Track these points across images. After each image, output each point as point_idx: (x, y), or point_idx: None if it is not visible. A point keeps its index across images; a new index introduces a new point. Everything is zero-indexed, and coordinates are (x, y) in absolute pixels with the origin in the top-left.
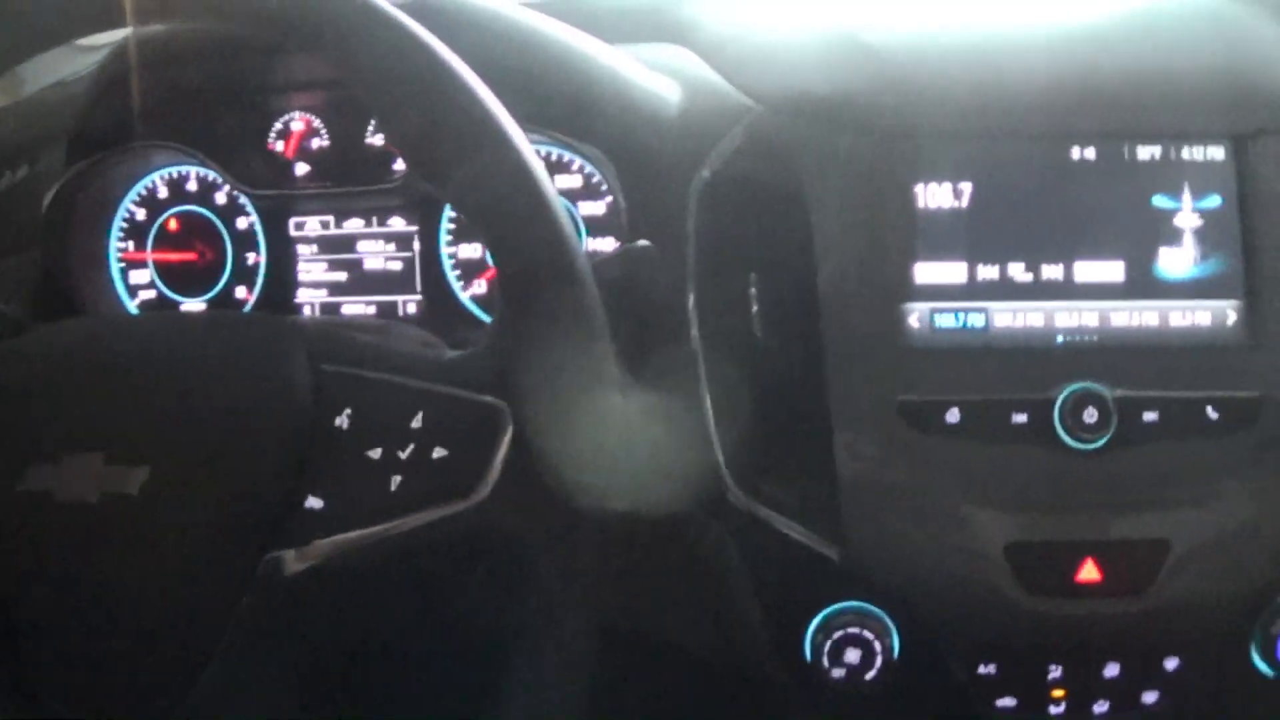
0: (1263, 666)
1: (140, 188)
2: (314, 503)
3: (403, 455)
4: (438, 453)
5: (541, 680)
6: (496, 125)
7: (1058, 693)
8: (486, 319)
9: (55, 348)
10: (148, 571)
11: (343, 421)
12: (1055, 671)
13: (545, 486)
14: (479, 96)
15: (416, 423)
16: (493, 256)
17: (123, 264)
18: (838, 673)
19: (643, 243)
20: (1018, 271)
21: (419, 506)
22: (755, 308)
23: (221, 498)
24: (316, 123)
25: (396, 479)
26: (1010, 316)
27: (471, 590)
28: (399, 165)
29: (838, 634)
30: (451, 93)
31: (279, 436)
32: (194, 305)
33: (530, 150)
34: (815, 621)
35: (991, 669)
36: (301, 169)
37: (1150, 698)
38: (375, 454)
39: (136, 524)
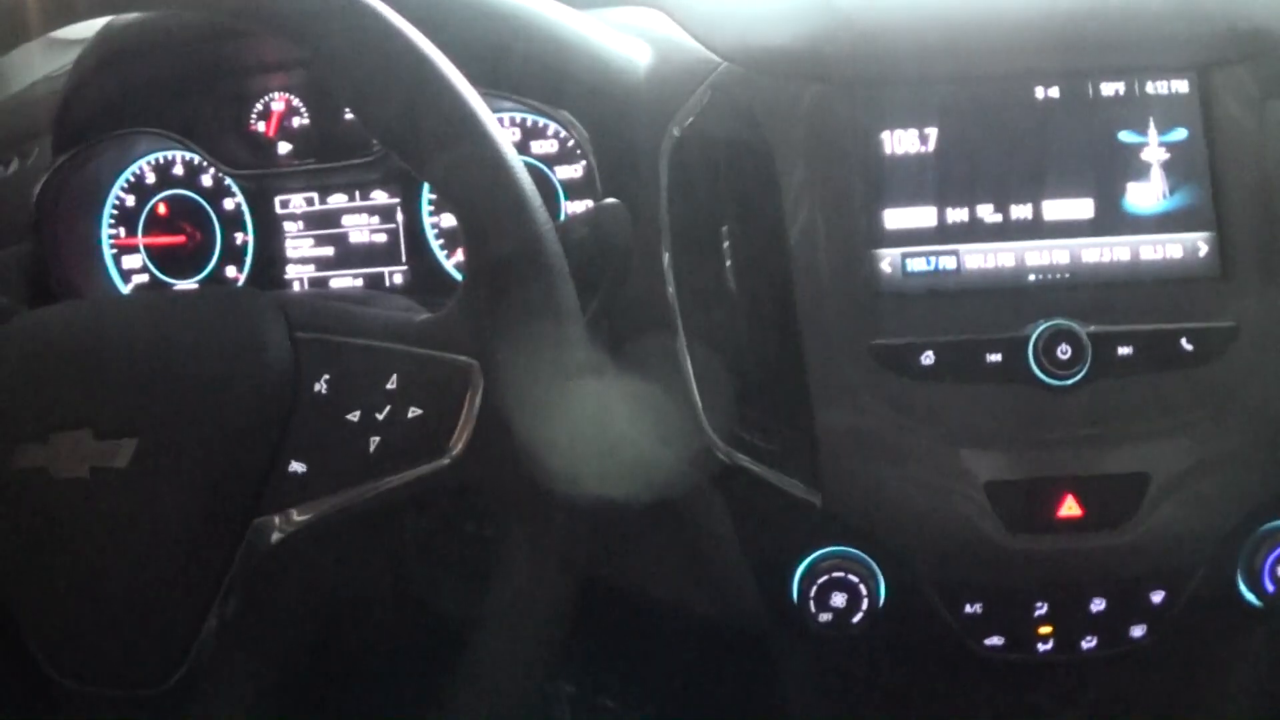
0: (1249, 596)
1: (128, 174)
2: (297, 467)
3: (380, 416)
4: (413, 412)
5: (518, 641)
6: (473, 114)
7: (1045, 629)
8: None
9: (42, 330)
10: (139, 541)
11: (321, 387)
12: (1041, 609)
13: (517, 440)
14: (456, 85)
15: (391, 384)
16: (466, 243)
17: (114, 250)
18: (824, 617)
19: (610, 200)
20: (987, 213)
21: (397, 466)
22: (729, 261)
23: (207, 466)
24: (296, 101)
25: (375, 440)
26: (981, 258)
27: (449, 551)
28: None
29: (823, 579)
30: (429, 81)
31: (259, 404)
32: (186, 287)
33: (506, 140)
34: (801, 568)
35: (977, 608)
36: (284, 148)
37: (1138, 631)
38: (354, 416)
39: (127, 496)
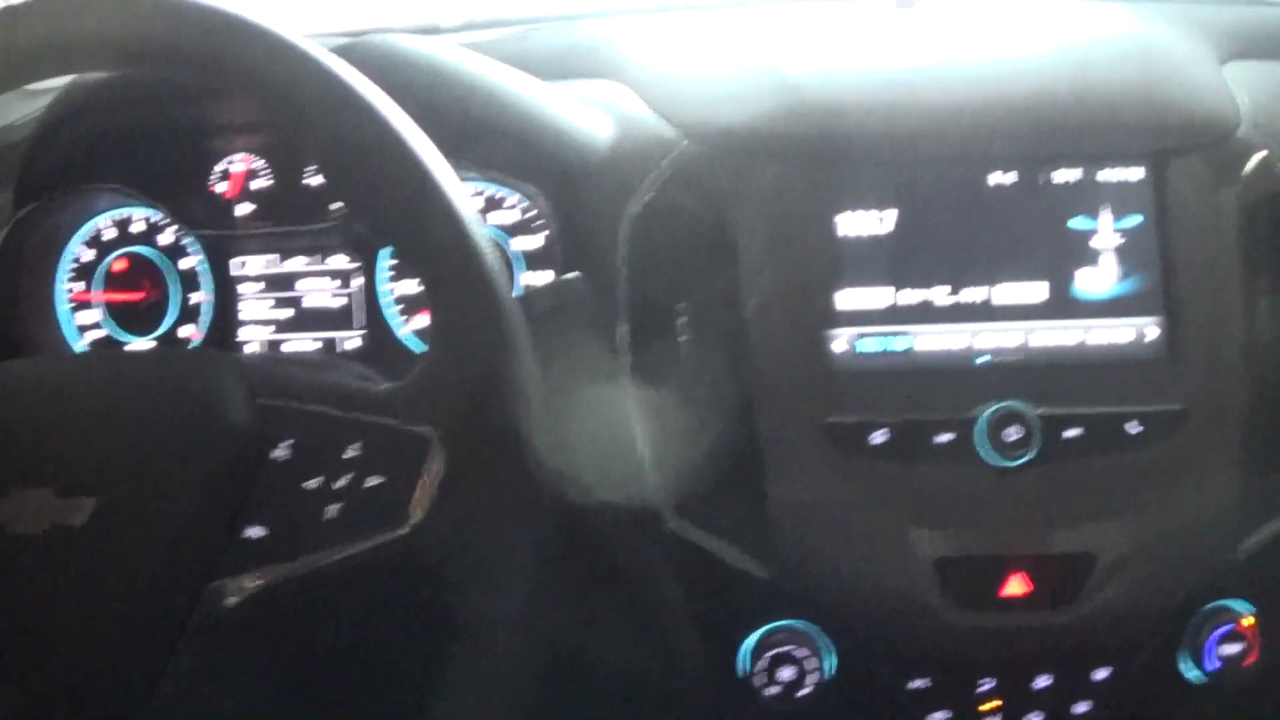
0: (1192, 674)
1: (88, 229)
2: (254, 532)
3: (338, 485)
4: (372, 481)
5: (474, 707)
6: (440, 188)
7: (990, 705)
8: None
9: (5, 384)
10: (93, 601)
11: (281, 453)
12: (987, 684)
13: (477, 512)
14: (424, 158)
15: (352, 452)
16: (431, 313)
17: (71, 305)
18: (772, 691)
19: (573, 274)
20: (940, 295)
21: (355, 534)
22: (683, 336)
23: (163, 528)
24: (258, 163)
25: (333, 508)
26: (933, 339)
27: (404, 619)
28: (338, 205)
29: (771, 653)
30: (399, 153)
31: (219, 468)
32: (141, 344)
33: (474, 214)
34: (749, 641)
35: (924, 683)
36: (244, 209)
37: (1082, 708)
38: (313, 484)
39: (82, 554)
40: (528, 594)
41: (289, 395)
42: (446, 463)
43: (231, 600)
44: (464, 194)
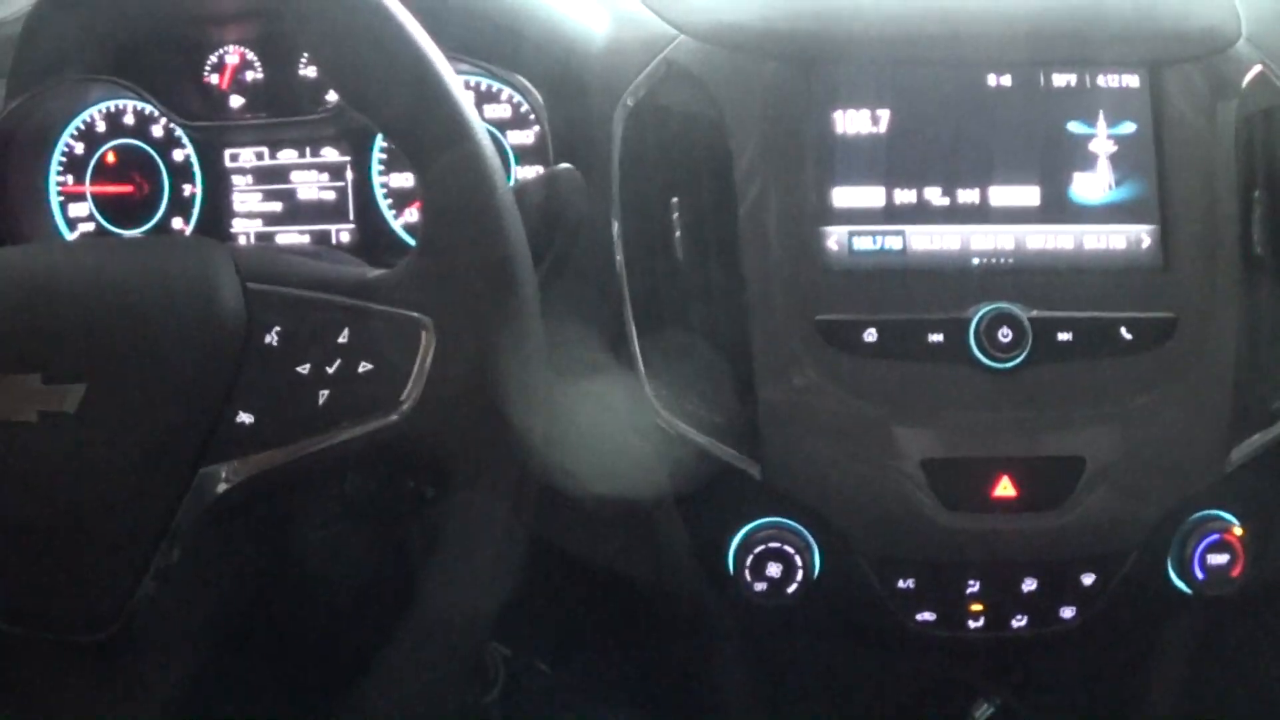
0: (1179, 583)
1: (78, 121)
2: (245, 418)
3: (330, 370)
4: (364, 367)
5: (459, 598)
6: (439, 77)
7: (976, 607)
8: None
9: None
10: (84, 487)
11: (272, 339)
12: (973, 586)
13: (467, 399)
14: (423, 47)
15: (343, 338)
16: (424, 200)
17: (62, 197)
18: (759, 587)
19: (565, 166)
20: (934, 196)
21: (347, 420)
22: (677, 232)
23: (154, 413)
24: (250, 55)
25: (324, 393)
26: (927, 239)
27: (392, 507)
28: (331, 96)
29: (759, 549)
30: (397, 40)
31: (209, 353)
32: (132, 236)
33: (469, 102)
34: (737, 537)
35: (910, 583)
36: (236, 101)
37: (1067, 613)
38: (304, 369)
39: (73, 441)
40: (517, 484)
41: (279, 280)
42: (439, 349)
43: (223, 486)
44: (459, 82)
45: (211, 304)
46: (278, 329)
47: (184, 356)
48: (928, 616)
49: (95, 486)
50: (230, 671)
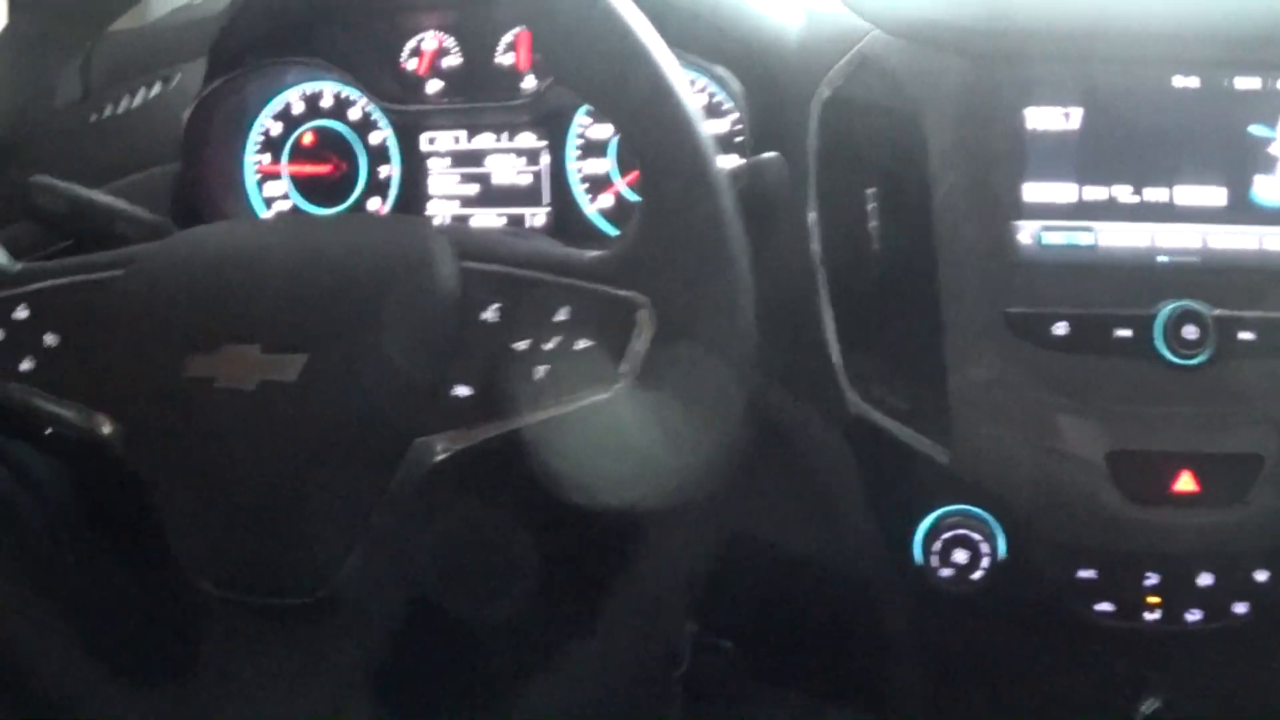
0: None
1: (276, 103)
2: (462, 390)
3: (547, 347)
4: (581, 344)
5: (660, 583)
6: (663, 64)
7: (1153, 599)
8: (612, 231)
9: (210, 247)
10: (301, 454)
11: (490, 314)
12: (1151, 579)
13: (687, 378)
14: (648, 33)
15: (561, 315)
16: (644, 182)
17: (259, 176)
18: (946, 572)
19: (772, 154)
20: (1123, 193)
21: (564, 394)
22: (874, 221)
23: (374, 383)
24: (449, 41)
25: (542, 369)
26: (1115, 235)
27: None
28: (528, 83)
29: (946, 535)
30: (624, 28)
31: (427, 326)
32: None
33: (688, 88)
34: (925, 523)
35: (1090, 573)
36: (434, 85)
37: (1241, 608)
38: (521, 345)
39: (292, 409)
40: (727, 469)
41: (494, 258)
42: (657, 328)
43: (439, 457)
44: (683, 74)
45: (430, 279)
46: (496, 305)
47: (402, 329)
48: (1105, 607)
49: (312, 454)
50: (419, 646)
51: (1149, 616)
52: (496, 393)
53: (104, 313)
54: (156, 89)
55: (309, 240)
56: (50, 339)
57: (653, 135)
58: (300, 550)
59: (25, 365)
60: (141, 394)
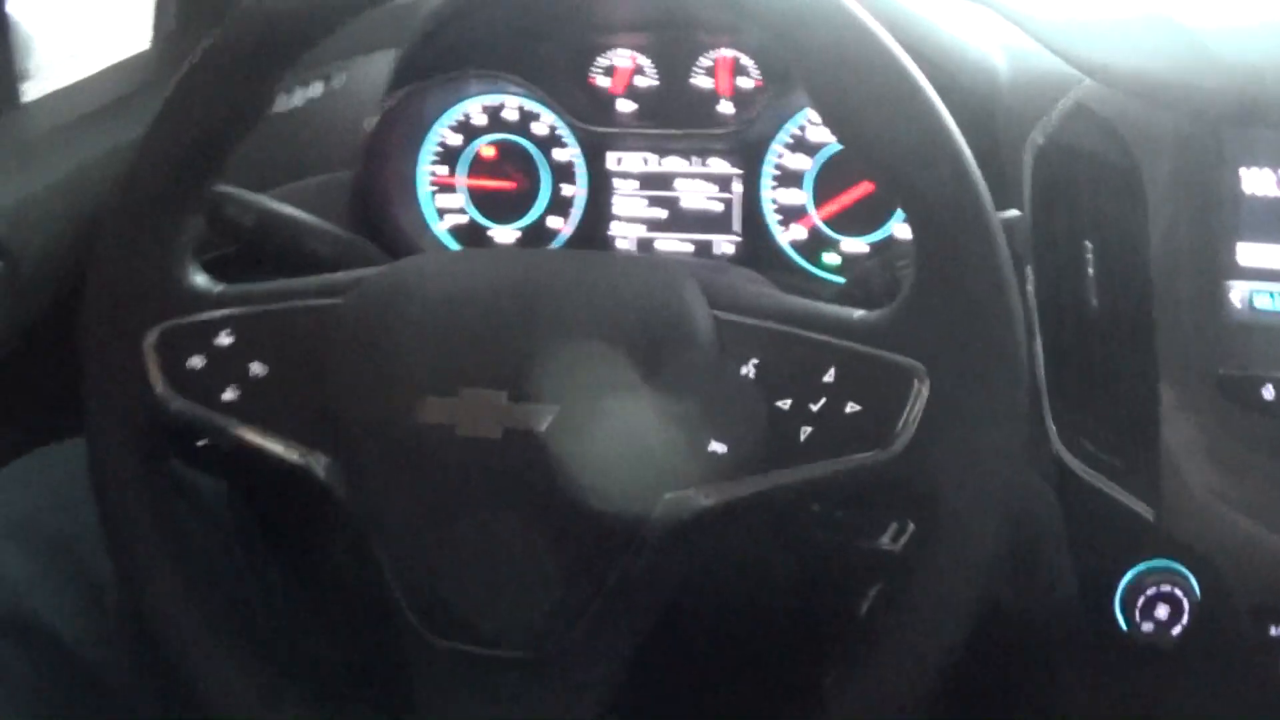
0: None
1: (456, 114)
2: (717, 447)
3: (813, 408)
4: (851, 408)
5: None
6: (944, 121)
7: None
8: (804, 264)
9: (440, 279)
10: (545, 507)
11: (749, 370)
12: None
13: (960, 445)
14: (926, 88)
15: (828, 377)
16: (921, 243)
17: (433, 188)
18: (1147, 627)
19: (1015, 211)
20: None
21: (831, 454)
22: (1091, 272)
23: (627, 438)
24: (643, 61)
25: (806, 430)
26: None
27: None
28: (724, 108)
29: (1150, 590)
30: (908, 85)
31: (683, 380)
32: (505, 232)
33: (959, 135)
34: (1127, 577)
35: None
36: (625, 106)
37: None
38: (784, 404)
39: (540, 460)
40: (1001, 521)
41: (748, 311)
42: (933, 396)
43: (689, 513)
44: (950, 118)
45: (686, 331)
46: (754, 361)
47: (658, 382)
48: None
49: (558, 507)
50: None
51: None
52: (756, 451)
53: (321, 344)
54: (318, 89)
55: (551, 278)
56: (257, 368)
57: (928, 191)
58: (533, 605)
59: (228, 395)
60: (367, 435)
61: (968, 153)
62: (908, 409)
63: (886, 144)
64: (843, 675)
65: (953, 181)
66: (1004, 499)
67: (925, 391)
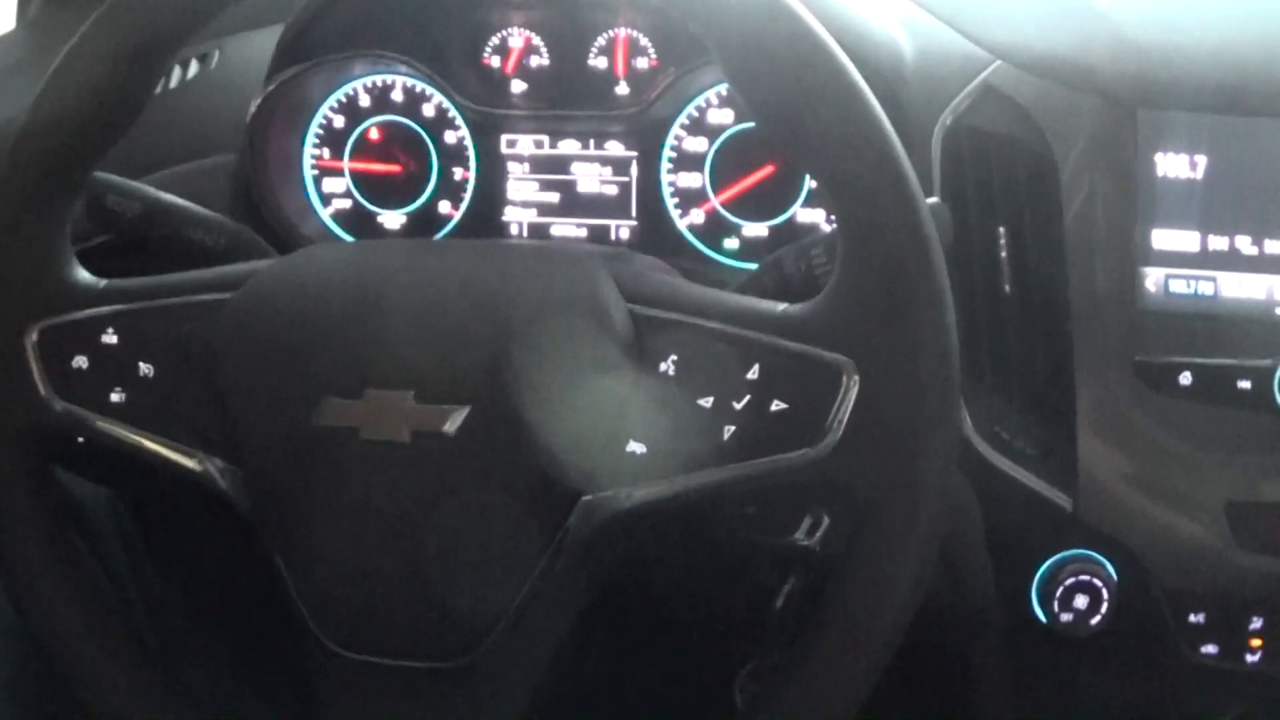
0: None
1: (339, 94)
2: (636, 448)
3: (737, 406)
4: (776, 405)
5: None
6: (870, 108)
7: (1256, 641)
8: (704, 249)
9: (338, 272)
10: (459, 512)
11: (668, 368)
12: (1256, 622)
13: (891, 441)
14: (852, 74)
15: (752, 374)
16: (849, 235)
17: (316, 171)
18: (1066, 617)
19: (935, 200)
20: (1244, 244)
21: (756, 453)
22: (1004, 256)
23: (540, 440)
24: (536, 40)
25: (730, 429)
26: (1237, 286)
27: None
28: (621, 90)
29: (1069, 580)
30: (827, 67)
31: (602, 378)
32: (393, 217)
33: (889, 126)
34: (1044, 567)
35: (1200, 617)
36: (518, 86)
37: None
38: (705, 403)
39: (452, 464)
40: (934, 515)
41: (664, 304)
42: (862, 391)
43: (607, 516)
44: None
45: (602, 326)
46: (674, 358)
47: (572, 381)
48: (1210, 649)
49: (470, 512)
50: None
51: (1250, 658)
52: (678, 452)
53: (211, 342)
54: (194, 69)
55: (455, 270)
56: (145, 368)
57: (862, 184)
58: (448, 614)
59: (115, 397)
60: (266, 439)
61: (896, 139)
62: (837, 406)
63: (810, 131)
64: (772, 680)
65: (880, 170)
66: (938, 496)
67: (855, 388)
